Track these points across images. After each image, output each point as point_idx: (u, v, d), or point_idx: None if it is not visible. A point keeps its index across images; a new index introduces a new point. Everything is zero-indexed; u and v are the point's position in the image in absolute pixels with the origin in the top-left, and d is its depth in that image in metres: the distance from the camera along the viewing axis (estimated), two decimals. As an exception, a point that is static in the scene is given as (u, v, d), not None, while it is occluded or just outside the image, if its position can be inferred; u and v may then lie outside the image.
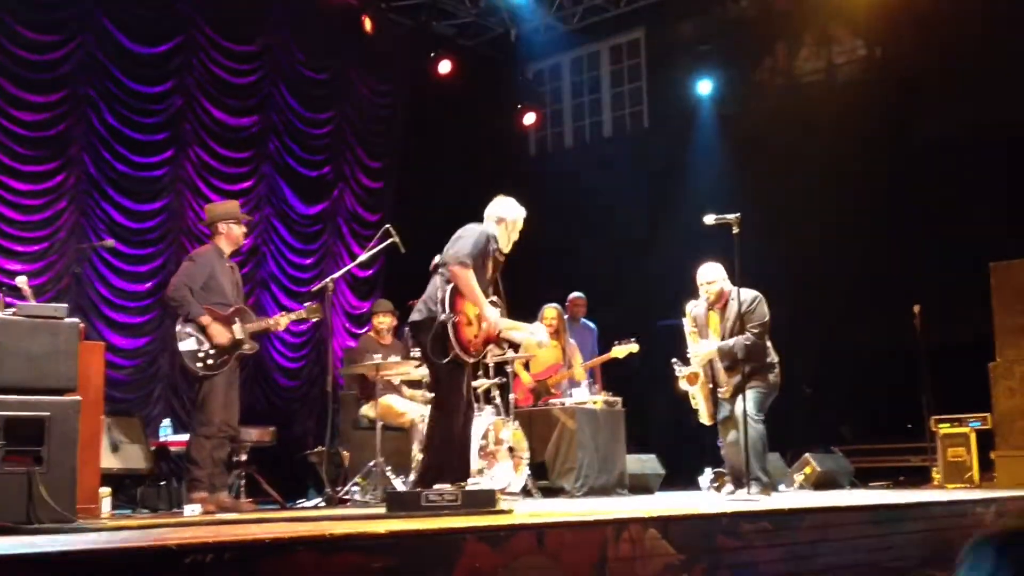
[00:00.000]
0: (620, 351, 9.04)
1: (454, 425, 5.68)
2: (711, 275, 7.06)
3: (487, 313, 5.71)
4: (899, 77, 10.50)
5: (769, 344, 7.03)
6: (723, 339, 6.98)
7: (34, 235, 9.15)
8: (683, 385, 7.13)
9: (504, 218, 6.05)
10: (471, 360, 5.75)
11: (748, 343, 6.83)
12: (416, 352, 7.49)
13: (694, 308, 7.21)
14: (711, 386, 7.11)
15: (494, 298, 5.93)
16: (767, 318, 6.96)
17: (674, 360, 7.16)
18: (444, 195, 12.26)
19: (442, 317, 5.54)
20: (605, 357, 9.26)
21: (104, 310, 9.53)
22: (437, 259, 5.91)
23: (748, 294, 6.94)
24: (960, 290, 9.34)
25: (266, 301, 10.70)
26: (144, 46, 9.95)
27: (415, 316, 5.81)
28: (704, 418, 7.16)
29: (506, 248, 6.06)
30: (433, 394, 5.93)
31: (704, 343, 7.06)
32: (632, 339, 9.03)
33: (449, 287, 5.61)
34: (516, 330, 6.13)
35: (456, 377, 5.69)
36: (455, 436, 5.69)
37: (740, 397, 6.78)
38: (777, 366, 7.05)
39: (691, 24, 12.04)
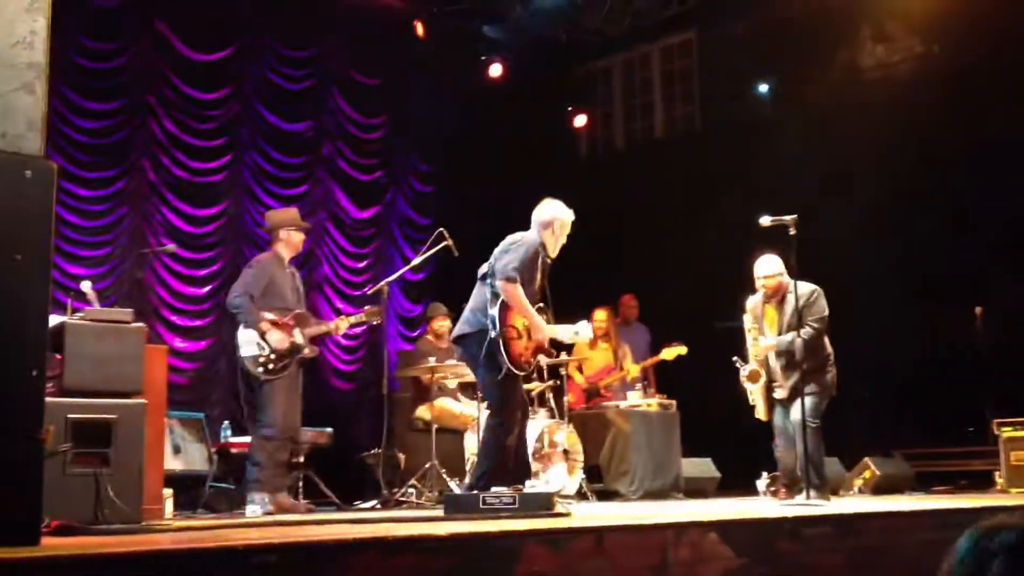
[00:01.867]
0: (669, 353, 9.02)
1: (509, 434, 5.74)
2: (768, 268, 6.99)
3: (537, 324, 5.75)
4: (957, 74, 10.32)
5: (827, 342, 6.95)
6: (780, 334, 6.92)
7: (97, 240, 9.32)
8: (745, 383, 7.06)
9: (552, 222, 6.04)
10: (523, 372, 5.81)
11: (807, 338, 6.75)
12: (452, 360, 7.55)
13: (752, 303, 7.15)
14: (768, 381, 7.04)
15: (540, 305, 5.94)
16: (826, 312, 6.88)
17: (735, 358, 7.09)
18: (495, 198, 12.29)
19: (492, 334, 5.61)
20: (654, 359, 9.23)
21: (165, 314, 9.68)
22: (484, 267, 5.95)
23: (806, 287, 6.88)
24: (1022, 290, 9.16)
25: (320, 304, 10.79)
26: (201, 53, 10.09)
27: (462, 328, 5.87)
28: (760, 414, 7.09)
29: (554, 252, 6.06)
30: (485, 401, 5.99)
31: (763, 339, 6.99)
32: (680, 342, 8.98)
33: (499, 301, 5.65)
34: (556, 335, 6.08)
35: (509, 388, 5.75)
36: (510, 444, 5.75)
37: (797, 402, 6.67)
38: (834, 367, 6.96)
39: (743, 24, 11.92)
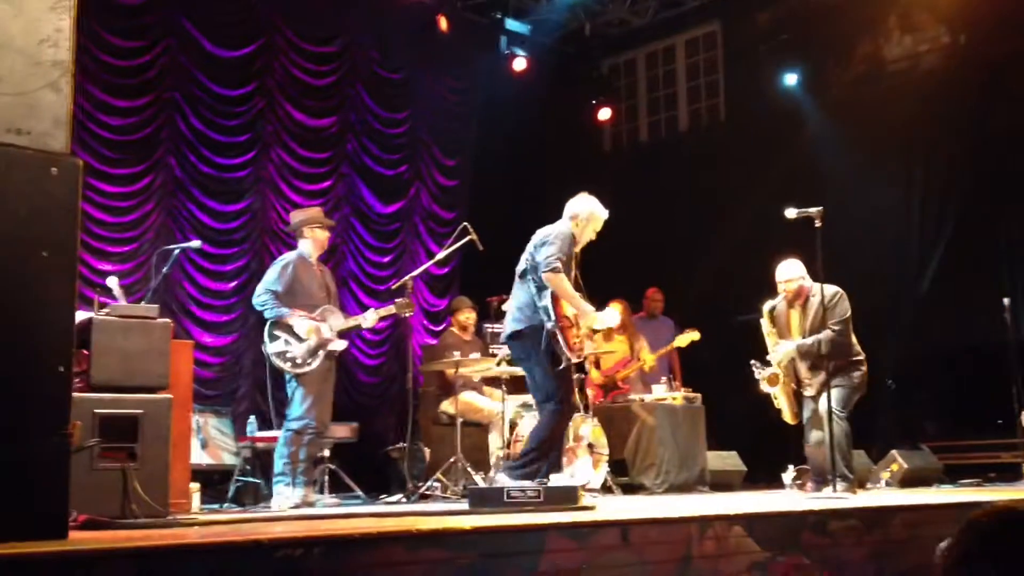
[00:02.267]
0: (682, 340, 9.02)
1: (566, 421, 6.03)
2: (789, 273, 6.96)
3: (585, 310, 5.89)
4: (983, 64, 10.21)
5: (854, 341, 6.90)
6: (804, 337, 6.86)
7: (123, 236, 9.39)
8: (764, 387, 7.02)
9: (583, 215, 6.12)
10: (577, 360, 5.96)
11: (826, 340, 6.71)
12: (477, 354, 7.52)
13: (773, 307, 7.09)
14: (794, 386, 7.00)
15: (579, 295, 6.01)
16: (848, 314, 6.83)
17: (753, 362, 7.04)
18: (520, 192, 12.29)
19: (548, 326, 5.73)
20: (668, 347, 9.23)
21: (191, 309, 9.75)
22: (522, 264, 6.02)
23: (829, 290, 6.82)
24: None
25: (346, 299, 10.82)
26: (226, 50, 10.14)
27: (515, 326, 5.95)
28: (788, 418, 7.05)
29: (580, 245, 6.14)
30: (538, 401, 6.09)
31: (783, 344, 6.94)
32: (693, 328, 8.98)
33: (547, 293, 5.76)
34: (596, 322, 6.12)
35: (566, 379, 5.92)
36: (559, 437, 6.01)
37: (824, 395, 6.62)
38: (864, 365, 6.89)
39: (768, 15, 11.84)
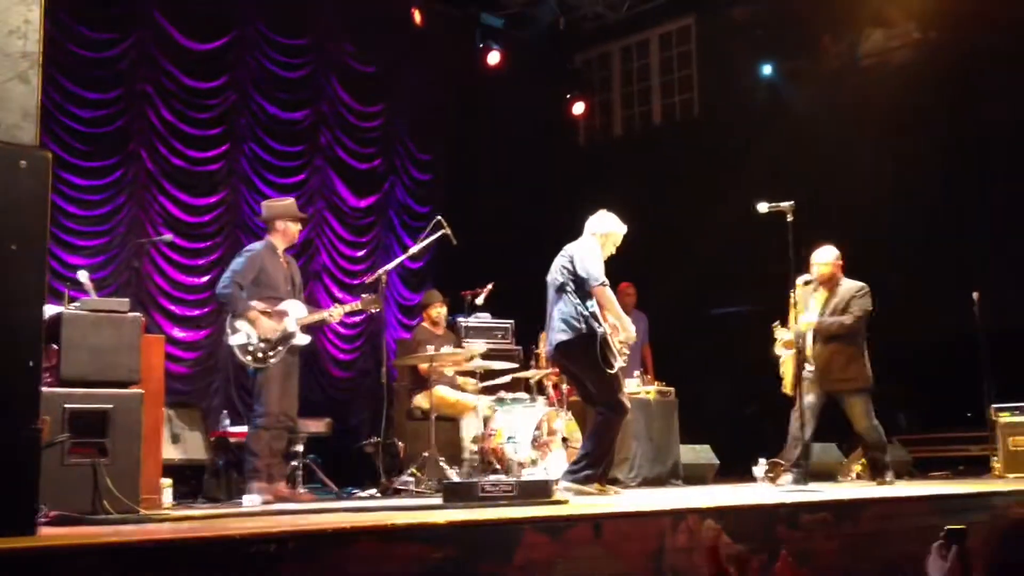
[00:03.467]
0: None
1: (619, 428, 6.40)
2: (827, 257, 7.38)
3: (627, 323, 6.37)
4: (953, 61, 10.30)
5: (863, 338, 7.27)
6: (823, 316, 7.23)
7: (94, 230, 9.31)
8: (779, 349, 7.30)
9: (608, 233, 6.54)
10: (623, 365, 6.39)
11: (848, 322, 7.16)
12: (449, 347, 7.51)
13: (803, 281, 7.35)
14: (802, 359, 7.21)
15: None
16: (869, 308, 7.27)
17: (776, 323, 7.32)
18: (494, 186, 12.29)
19: (600, 331, 6.15)
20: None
21: (163, 303, 9.68)
22: (558, 279, 6.36)
23: (856, 284, 7.32)
24: (1020, 275, 9.17)
25: (319, 293, 10.80)
26: (198, 42, 10.06)
27: (562, 336, 6.29)
28: (787, 387, 7.30)
29: (604, 259, 6.50)
30: (597, 407, 6.42)
31: (805, 315, 7.21)
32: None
33: (591, 304, 6.21)
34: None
35: (619, 382, 6.38)
36: (615, 437, 6.43)
37: (847, 401, 7.21)
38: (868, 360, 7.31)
39: (742, 9, 11.89)
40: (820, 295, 7.37)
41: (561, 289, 6.33)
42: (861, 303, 7.25)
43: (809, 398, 7.14)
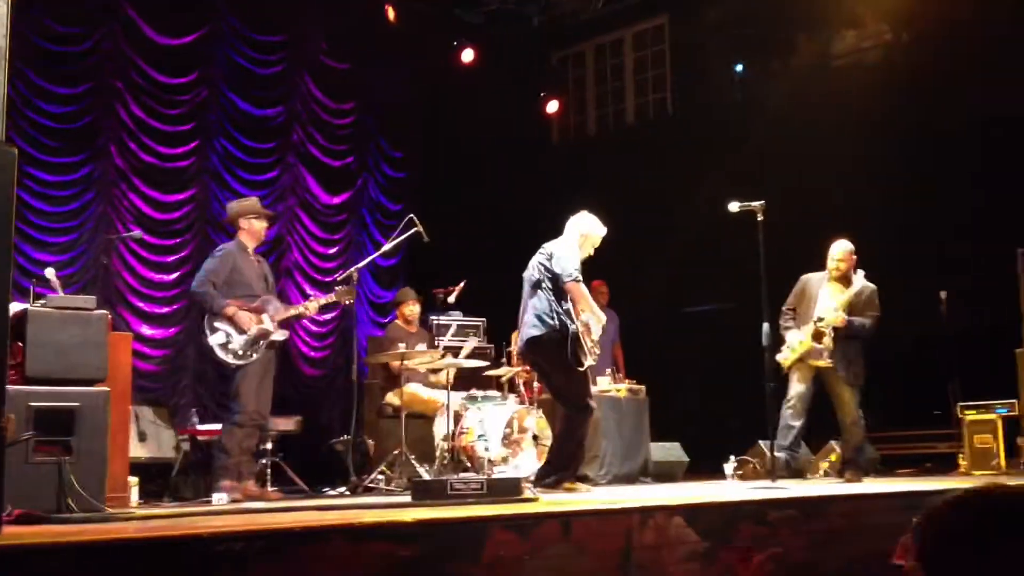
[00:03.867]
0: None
1: (586, 426, 6.43)
2: (845, 251, 7.56)
3: (600, 317, 6.40)
4: (924, 62, 10.39)
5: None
6: (844, 310, 7.39)
7: (62, 226, 9.24)
8: (809, 339, 7.45)
9: (586, 234, 6.59)
10: (592, 363, 6.41)
11: (867, 327, 7.40)
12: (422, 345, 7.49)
13: (811, 278, 7.63)
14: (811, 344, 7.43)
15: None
16: (880, 313, 7.49)
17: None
18: (467, 184, 12.28)
19: (573, 328, 6.19)
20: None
21: (132, 300, 9.61)
22: (534, 275, 6.42)
23: (870, 284, 7.52)
24: (988, 275, 9.26)
25: (291, 291, 10.76)
26: (169, 37, 10.00)
27: (533, 332, 6.34)
28: (786, 362, 7.52)
29: (582, 259, 6.55)
30: (563, 404, 6.56)
31: (830, 311, 7.38)
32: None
33: (567, 302, 6.26)
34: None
35: (587, 381, 6.43)
36: (584, 436, 6.46)
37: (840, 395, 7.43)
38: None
39: (716, 9, 11.93)
40: (834, 288, 7.53)
41: (537, 285, 6.39)
42: (874, 306, 7.49)
43: (801, 387, 7.44)
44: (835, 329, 7.34)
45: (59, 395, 4.74)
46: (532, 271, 6.47)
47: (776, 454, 7.14)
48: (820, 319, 7.37)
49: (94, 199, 9.49)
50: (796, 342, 7.49)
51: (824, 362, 7.39)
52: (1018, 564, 1.73)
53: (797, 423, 7.42)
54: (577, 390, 6.34)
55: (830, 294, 7.51)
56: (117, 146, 9.66)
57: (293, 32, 11.01)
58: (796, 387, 7.49)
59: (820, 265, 7.72)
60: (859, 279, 7.46)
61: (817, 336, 7.40)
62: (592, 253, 6.64)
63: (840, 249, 7.57)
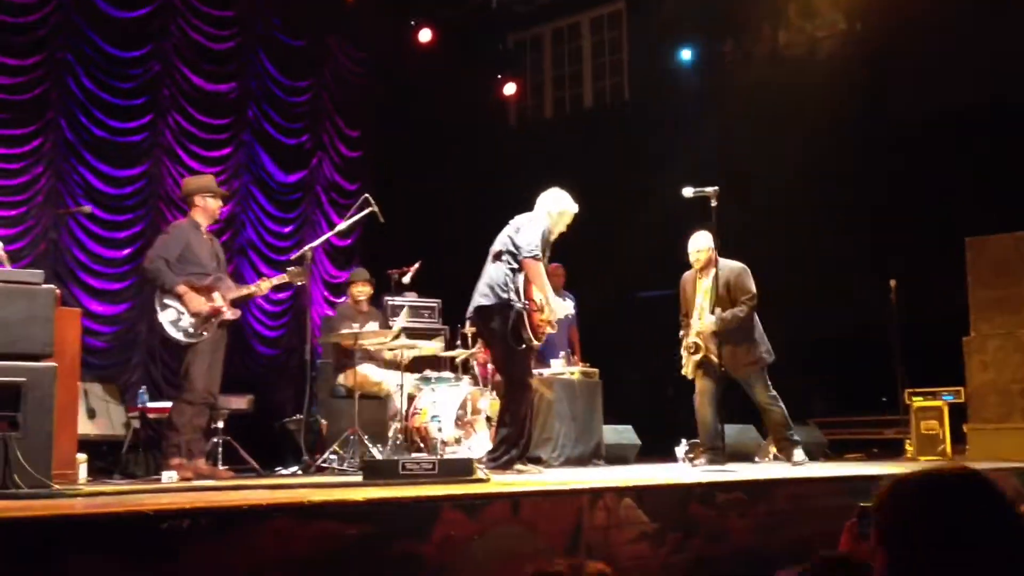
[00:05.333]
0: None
1: (525, 404, 6.30)
2: (700, 244, 7.28)
3: (553, 301, 6.33)
4: (876, 52, 10.51)
5: (755, 315, 7.31)
6: (711, 305, 7.15)
7: (10, 200, 9.07)
8: (685, 352, 7.37)
9: (556, 209, 6.49)
10: (537, 344, 6.37)
11: (742, 315, 7.15)
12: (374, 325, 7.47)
13: (685, 278, 7.47)
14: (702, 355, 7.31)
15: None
16: (754, 290, 7.25)
17: (682, 332, 7.44)
18: (423, 165, 12.23)
19: (518, 306, 6.13)
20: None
21: (82, 276, 9.48)
22: (497, 246, 6.35)
23: (735, 265, 7.25)
24: (936, 264, 9.41)
25: (244, 269, 10.67)
26: (121, 10, 9.83)
27: (482, 302, 6.27)
28: (688, 372, 7.42)
29: (553, 237, 6.51)
30: (501, 377, 6.62)
31: (707, 317, 7.20)
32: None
33: (521, 276, 6.18)
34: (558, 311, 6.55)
35: (527, 359, 6.35)
36: (526, 415, 6.33)
37: (748, 381, 7.30)
38: (763, 336, 7.37)
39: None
40: (702, 284, 7.34)
41: (497, 256, 6.33)
42: (745, 288, 7.23)
43: (705, 383, 7.31)
44: (714, 333, 7.18)
45: (5, 370, 4.66)
46: (497, 243, 6.40)
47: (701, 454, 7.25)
48: (698, 334, 7.27)
49: (43, 172, 9.33)
50: (684, 353, 7.43)
51: (715, 359, 7.24)
52: (980, 544, 1.77)
53: (709, 419, 7.26)
54: (516, 367, 6.29)
55: (702, 290, 7.36)
56: (67, 119, 9.50)
57: (247, 7, 10.86)
58: (699, 384, 7.37)
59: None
60: (723, 267, 7.17)
61: (694, 349, 7.30)
62: (565, 230, 6.56)
63: (696, 242, 7.32)
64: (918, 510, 1.83)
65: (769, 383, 7.40)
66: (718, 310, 7.08)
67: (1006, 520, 1.78)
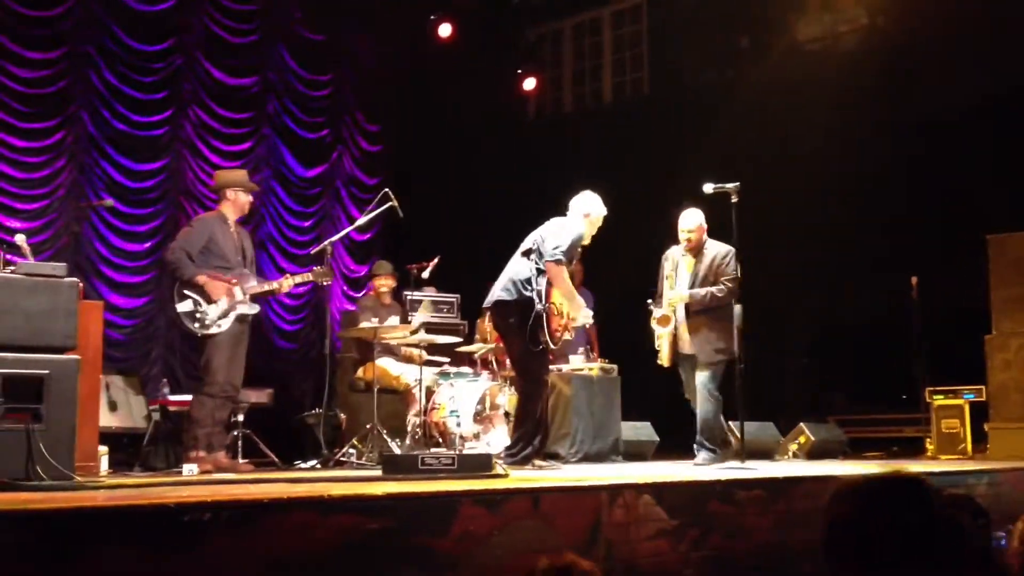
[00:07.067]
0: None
1: (540, 400, 6.36)
2: (691, 222, 7.07)
3: (578, 304, 6.39)
4: (899, 47, 10.44)
5: (737, 308, 6.90)
6: (693, 285, 6.97)
7: (33, 193, 9.14)
8: (654, 326, 7.11)
9: (591, 214, 6.54)
10: (555, 347, 6.42)
11: (720, 294, 6.86)
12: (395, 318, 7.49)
13: (671, 252, 7.24)
14: (675, 332, 7.05)
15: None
16: (738, 274, 6.90)
17: (650, 300, 7.17)
18: (443, 159, 12.24)
19: (538, 307, 6.17)
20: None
21: (103, 269, 9.54)
22: (528, 243, 6.39)
23: (723, 247, 6.99)
24: (958, 262, 9.35)
25: (264, 262, 10.69)
26: (144, 4, 9.87)
27: (503, 295, 6.33)
28: (664, 360, 7.14)
29: (587, 240, 6.58)
30: (515, 373, 6.66)
31: (677, 288, 7.03)
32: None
33: (545, 278, 6.23)
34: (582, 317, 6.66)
35: (543, 360, 6.41)
36: (543, 411, 6.39)
37: (699, 367, 6.94)
38: (739, 332, 6.86)
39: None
40: (687, 262, 7.09)
41: (527, 253, 6.37)
42: (730, 270, 6.89)
43: (688, 376, 7.08)
44: (686, 307, 6.95)
45: (28, 362, 4.70)
46: (529, 240, 6.44)
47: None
48: (669, 303, 6.98)
49: (65, 166, 9.39)
50: (656, 337, 7.11)
51: (688, 350, 7.01)
52: (907, 545, 1.81)
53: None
54: (531, 364, 6.34)
55: (685, 267, 7.09)
56: (89, 113, 9.55)
57: (268, 1, 10.88)
58: (684, 377, 7.15)
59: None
60: (711, 248, 6.97)
61: (663, 322, 7.00)
62: (595, 233, 6.61)
63: (687, 219, 7.06)
64: (853, 514, 1.89)
65: (720, 382, 7.02)
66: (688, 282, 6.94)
67: (933, 523, 1.84)
